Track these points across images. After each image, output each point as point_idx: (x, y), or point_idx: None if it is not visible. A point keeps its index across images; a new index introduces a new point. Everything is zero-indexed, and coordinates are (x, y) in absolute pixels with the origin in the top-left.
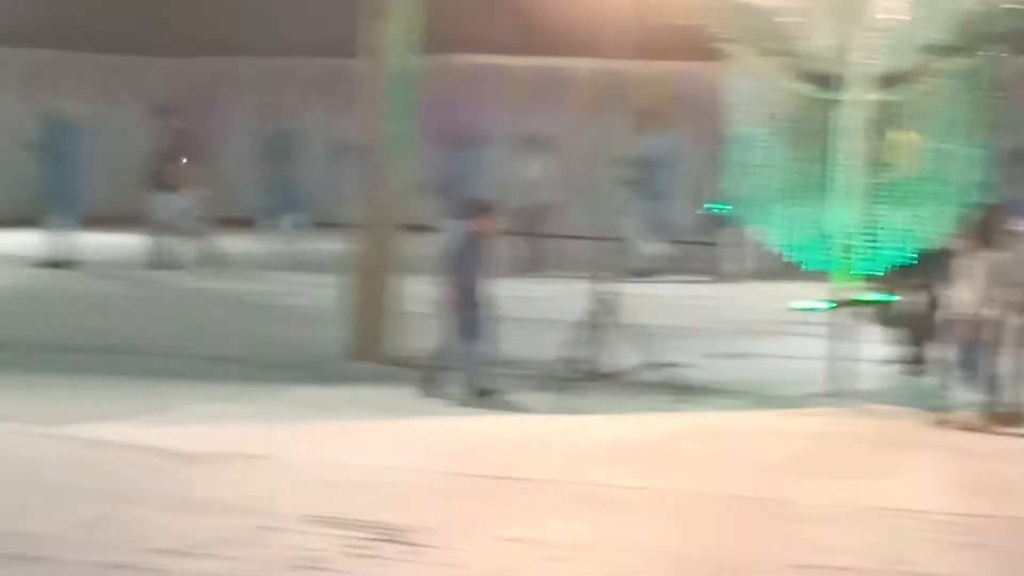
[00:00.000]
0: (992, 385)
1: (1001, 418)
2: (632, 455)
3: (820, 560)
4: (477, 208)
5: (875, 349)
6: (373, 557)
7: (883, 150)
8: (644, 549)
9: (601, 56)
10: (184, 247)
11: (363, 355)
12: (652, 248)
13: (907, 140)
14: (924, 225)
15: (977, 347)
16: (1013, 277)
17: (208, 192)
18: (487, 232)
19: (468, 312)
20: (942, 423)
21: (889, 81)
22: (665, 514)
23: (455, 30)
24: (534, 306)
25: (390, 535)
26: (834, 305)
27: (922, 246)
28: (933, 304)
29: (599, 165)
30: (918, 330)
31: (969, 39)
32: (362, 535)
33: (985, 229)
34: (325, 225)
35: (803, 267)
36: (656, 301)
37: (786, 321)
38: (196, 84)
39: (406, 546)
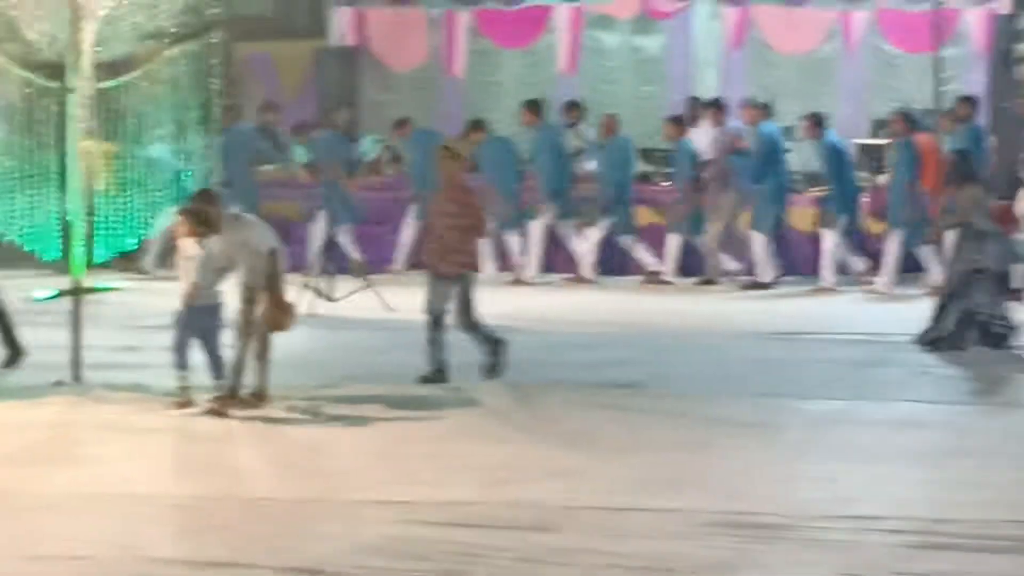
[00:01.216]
0: (227, 369)
1: (237, 401)
2: None
3: (55, 550)
4: None
5: (112, 337)
6: None
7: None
8: None
9: None
10: None
11: None
12: None
13: (98, 149)
14: (149, 212)
15: (206, 332)
16: (226, 262)
17: None
18: None
19: None
20: (179, 407)
21: (114, 69)
22: None
23: None
24: None
25: None
26: (61, 293)
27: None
28: None
29: None
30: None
31: (192, 26)
32: None
33: (200, 215)
34: None
35: (40, 256)
36: None
37: (26, 311)
38: None
39: None
